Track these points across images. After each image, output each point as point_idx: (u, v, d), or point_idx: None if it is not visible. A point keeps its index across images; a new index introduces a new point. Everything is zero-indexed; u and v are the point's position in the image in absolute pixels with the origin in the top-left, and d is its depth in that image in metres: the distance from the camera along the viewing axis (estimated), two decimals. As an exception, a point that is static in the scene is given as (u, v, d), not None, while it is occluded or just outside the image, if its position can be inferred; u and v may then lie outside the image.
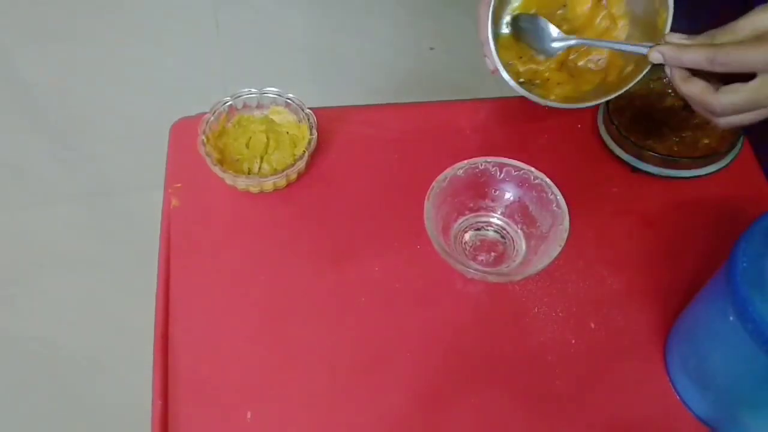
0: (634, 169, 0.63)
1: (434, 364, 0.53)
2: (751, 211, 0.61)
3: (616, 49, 0.59)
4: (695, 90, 0.48)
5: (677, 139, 0.63)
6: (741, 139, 0.63)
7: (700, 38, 0.48)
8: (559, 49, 0.60)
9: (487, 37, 0.56)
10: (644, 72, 0.56)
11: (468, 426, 0.51)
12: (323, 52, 1.71)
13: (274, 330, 0.55)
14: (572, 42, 0.60)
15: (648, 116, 0.64)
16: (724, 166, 0.62)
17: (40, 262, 1.34)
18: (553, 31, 0.60)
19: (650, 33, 0.58)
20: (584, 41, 0.60)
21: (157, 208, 0.61)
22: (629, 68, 0.59)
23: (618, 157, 0.63)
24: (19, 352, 1.24)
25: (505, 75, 0.57)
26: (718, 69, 0.45)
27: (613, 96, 0.58)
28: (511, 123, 0.67)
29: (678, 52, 0.48)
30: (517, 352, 0.54)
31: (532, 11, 0.63)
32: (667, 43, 0.50)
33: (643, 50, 0.51)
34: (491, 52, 0.57)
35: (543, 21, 0.60)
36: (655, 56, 0.50)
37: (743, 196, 0.63)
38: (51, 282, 1.32)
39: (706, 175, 0.62)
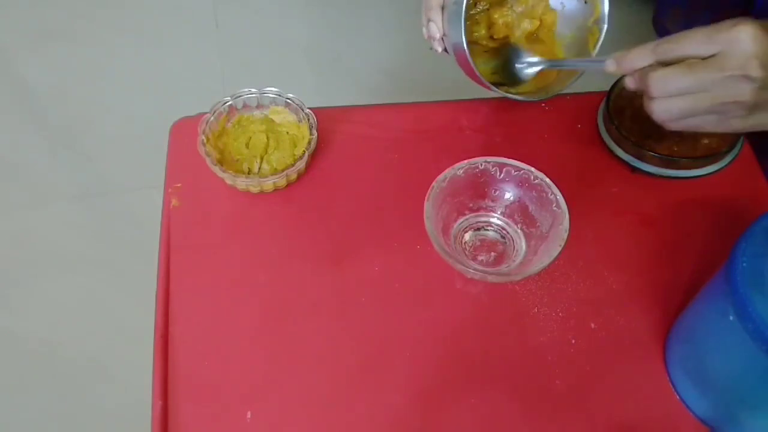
0: (634, 169, 0.63)
1: (434, 363, 0.53)
2: (751, 211, 0.61)
3: (580, 68, 0.63)
4: (644, 74, 0.50)
5: (677, 139, 0.63)
6: (741, 139, 0.63)
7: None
8: (528, 74, 0.64)
9: (461, 2, 0.55)
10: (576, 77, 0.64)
11: (468, 426, 0.51)
12: (323, 52, 1.71)
13: (274, 330, 0.55)
14: (541, 65, 0.64)
15: (648, 116, 0.64)
16: (724, 166, 0.62)
17: (40, 262, 1.34)
18: (525, 56, 0.64)
19: (579, 46, 0.66)
20: (552, 63, 0.64)
21: (157, 208, 0.61)
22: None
23: (618, 157, 0.63)
24: (19, 352, 1.25)
25: (464, 44, 0.56)
26: (660, 55, 0.49)
27: (550, 95, 0.63)
28: (511, 123, 0.67)
29: (625, 53, 0.51)
30: (516, 352, 0.54)
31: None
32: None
33: (602, 64, 0.53)
34: (459, 17, 0.56)
35: (518, 48, 0.64)
36: (609, 63, 0.53)
37: (743, 196, 0.63)
38: (51, 282, 1.32)
39: (706, 175, 0.62)
